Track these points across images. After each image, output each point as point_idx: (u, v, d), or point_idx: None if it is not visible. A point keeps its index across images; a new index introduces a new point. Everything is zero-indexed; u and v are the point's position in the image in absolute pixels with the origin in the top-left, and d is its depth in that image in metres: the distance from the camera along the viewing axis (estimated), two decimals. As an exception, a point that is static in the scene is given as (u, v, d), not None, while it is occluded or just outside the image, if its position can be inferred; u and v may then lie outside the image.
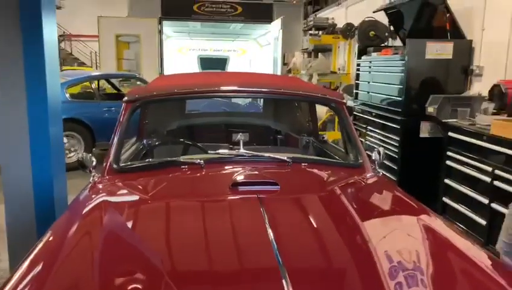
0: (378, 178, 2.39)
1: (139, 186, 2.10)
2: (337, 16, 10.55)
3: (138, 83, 8.16)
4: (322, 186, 2.28)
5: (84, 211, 1.84)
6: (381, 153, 2.54)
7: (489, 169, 3.69)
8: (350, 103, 6.41)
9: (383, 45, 6.32)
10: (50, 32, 3.04)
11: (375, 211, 2.04)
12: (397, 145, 5.06)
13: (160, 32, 13.15)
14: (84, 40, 22.18)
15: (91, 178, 2.24)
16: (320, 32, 9.59)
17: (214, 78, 3.48)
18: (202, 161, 2.25)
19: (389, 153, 4.99)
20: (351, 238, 1.66)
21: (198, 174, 2.22)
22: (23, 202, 3.04)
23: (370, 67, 5.97)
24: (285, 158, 2.34)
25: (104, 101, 7.33)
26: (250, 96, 4.13)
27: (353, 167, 2.44)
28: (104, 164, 2.28)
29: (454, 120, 4.38)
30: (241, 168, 2.21)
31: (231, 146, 2.71)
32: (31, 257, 1.47)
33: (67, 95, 6.80)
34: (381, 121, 5.51)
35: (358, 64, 6.41)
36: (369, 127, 5.95)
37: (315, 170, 2.41)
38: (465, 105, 4.47)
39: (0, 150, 3.03)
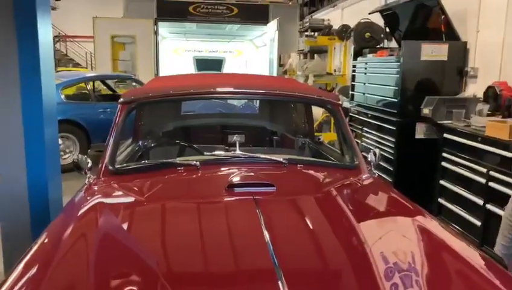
0: (373, 179, 2.39)
1: (135, 188, 2.10)
2: (333, 17, 10.58)
3: (134, 84, 8.14)
4: (318, 188, 2.28)
5: (79, 213, 1.83)
6: (377, 154, 2.56)
7: (484, 170, 3.71)
8: (346, 104, 6.42)
9: (378, 46, 6.34)
10: (45, 33, 3.03)
11: (371, 212, 2.05)
12: (393, 146, 5.07)
13: (156, 33, 13.13)
14: (79, 41, 22.08)
15: (86, 180, 2.23)
16: (316, 33, 9.60)
17: (210, 79, 3.48)
18: (198, 163, 2.24)
19: (385, 154, 5.01)
20: (347, 240, 1.67)
21: (194, 176, 2.22)
22: (17, 203, 3.03)
23: (366, 68, 5.98)
24: (281, 159, 2.34)
25: (99, 103, 7.29)
26: (246, 98, 4.13)
27: (349, 168, 2.45)
28: (100, 166, 2.27)
29: (450, 121, 4.40)
30: (237, 170, 2.20)
31: (227, 147, 2.71)
32: (26, 259, 1.46)
33: (63, 96, 6.77)
34: (377, 123, 5.52)
35: (354, 66, 6.42)
36: (364, 129, 5.96)
37: (311, 172, 2.41)
38: (460, 106, 4.49)
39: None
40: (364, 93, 6.01)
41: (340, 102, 2.74)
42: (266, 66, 13.22)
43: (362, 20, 6.45)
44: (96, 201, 1.94)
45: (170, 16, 13.48)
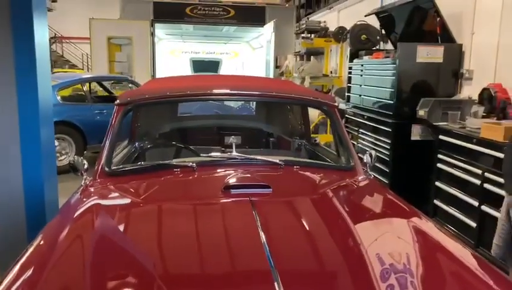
0: (369, 181, 2.40)
1: (131, 190, 2.10)
2: (329, 19, 10.62)
3: (130, 85, 8.13)
4: (314, 189, 2.29)
5: (75, 215, 1.83)
6: (373, 155, 2.56)
7: (479, 172, 3.73)
8: (342, 106, 6.44)
9: (374, 48, 6.36)
10: (41, 35, 3.03)
11: (367, 213, 2.06)
12: (389, 148, 5.09)
13: (153, 34, 13.13)
14: (75, 42, 22.02)
15: (82, 181, 2.23)
16: (313, 35, 9.65)
17: (206, 81, 3.48)
18: (194, 164, 2.25)
19: (381, 156, 5.02)
20: (343, 241, 1.67)
21: (191, 177, 2.22)
22: (13, 205, 3.02)
23: (362, 70, 6.01)
24: (278, 161, 2.34)
25: (95, 104, 7.29)
26: (242, 99, 4.13)
27: (345, 170, 2.46)
28: (96, 167, 2.27)
29: (445, 123, 4.42)
30: (233, 171, 2.21)
31: (223, 149, 2.71)
32: (22, 260, 1.46)
33: (59, 98, 6.76)
34: (373, 124, 5.54)
35: (350, 68, 6.44)
36: (360, 130, 5.98)
37: (307, 173, 2.42)
38: (455, 108, 4.51)
39: (-9, 153, 3.01)
40: (360, 95, 6.03)
41: (336, 104, 2.74)
42: (263, 67, 13.23)
43: (358, 22, 6.47)
44: (92, 203, 1.94)
45: (167, 18, 13.49)
